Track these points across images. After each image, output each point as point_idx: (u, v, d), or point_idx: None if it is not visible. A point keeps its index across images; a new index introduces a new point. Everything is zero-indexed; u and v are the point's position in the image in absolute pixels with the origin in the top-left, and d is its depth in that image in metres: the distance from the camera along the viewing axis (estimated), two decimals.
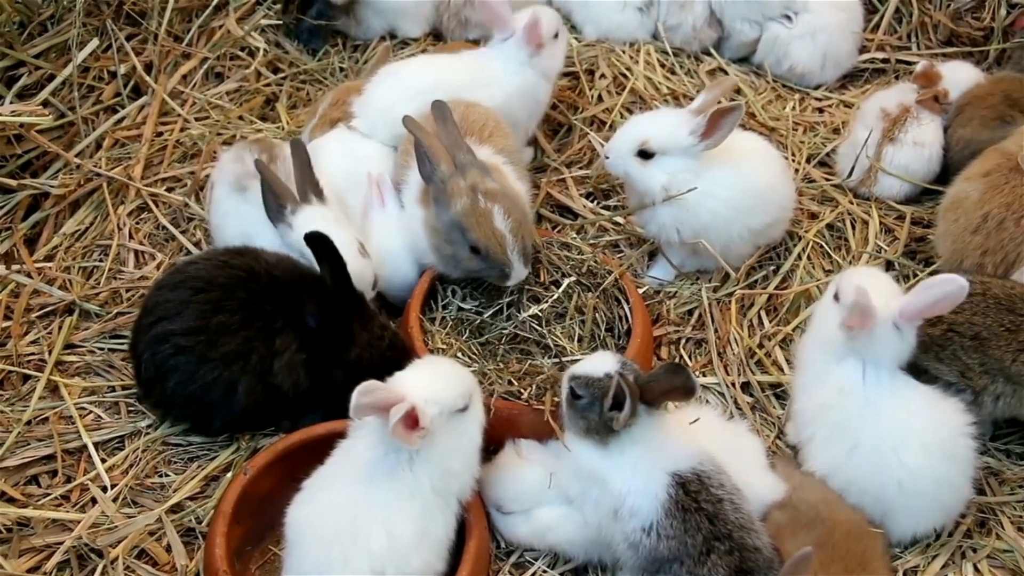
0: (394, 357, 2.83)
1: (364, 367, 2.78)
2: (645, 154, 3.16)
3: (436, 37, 4.41)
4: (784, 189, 3.40)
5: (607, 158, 3.24)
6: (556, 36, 3.61)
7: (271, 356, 2.84)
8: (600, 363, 2.48)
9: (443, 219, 2.99)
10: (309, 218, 3.02)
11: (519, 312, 3.06)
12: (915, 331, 2.66)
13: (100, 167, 3.68)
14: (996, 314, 2.78)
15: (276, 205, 3.05)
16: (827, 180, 3.73)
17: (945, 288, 2.56)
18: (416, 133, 2.99)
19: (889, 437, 2.63)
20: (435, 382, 2.43)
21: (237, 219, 3.20)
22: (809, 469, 2.75)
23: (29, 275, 3.38)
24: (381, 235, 3.25)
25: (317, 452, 2.53)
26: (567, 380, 2.51)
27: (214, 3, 4.28)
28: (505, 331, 3.03)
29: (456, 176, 2.96)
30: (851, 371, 2.69)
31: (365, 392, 2.26)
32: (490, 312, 3.10)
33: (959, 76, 3.81)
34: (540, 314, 3.04)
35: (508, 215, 2.93)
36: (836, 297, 2.76)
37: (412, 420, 2.32)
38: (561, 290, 3.08)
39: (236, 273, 2.87)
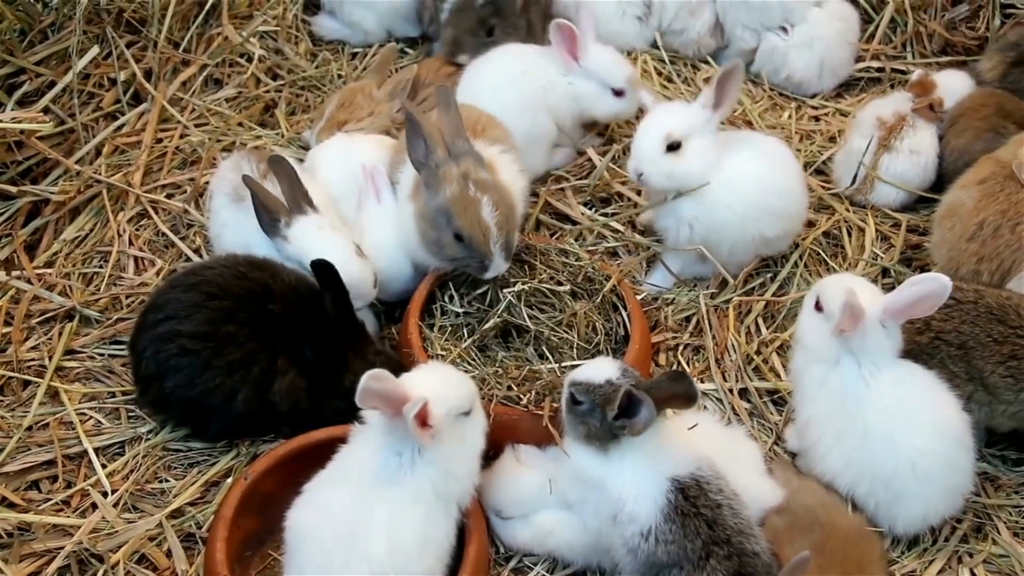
0: None
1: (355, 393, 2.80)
2: (673, 147, 3.14)
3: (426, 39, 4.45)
4: (800, 196, 3.40)
5: (640, 175, 3.19)
6: None
7: (272, 375, 2.86)
8: (600, 369, 2.49)
9: (431, 204, 3.01)
10: (304, 228, 3.04)
11: (513, 299, 3.05)
12: (899, 327, 2.70)
13: (100, 174, 3.69)
14: (986, 324, 2.79)
15: (270, 219, 3.05)
16: (824, 188, 3.75)
17: (928, 287, 2.58)
18: (415, 117, 3.00)
19: (898, 422, 2.65)
20: (440, 384, 2.45)
21: (236, 229, 3.20)
22: (817, 471, 2.76)
23: (29, 281, 3.38)
24: (375, 228, 3.25)
25: (318, 457, 2.53)
26: (567, 386, 2.52)
27: (209, 2, 4.28)
28: (498, 317, 3.02)
29: (449, 163, 2.99)
30: (849, 370, 2.70)
31: (376, 378, 2.27)
32: (479, 296, 3.10)
33: (953, 85, 3.84)
34: (523, 291, 3.03)
35: (496, 207, 2.95)
36: (818, 307, 2.77)
37: (421, 419, 2.34)
38: (563, 290, 3.09)
39: (252, 287, 2.88)
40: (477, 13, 4.00)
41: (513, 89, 3.61)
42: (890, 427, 2.65)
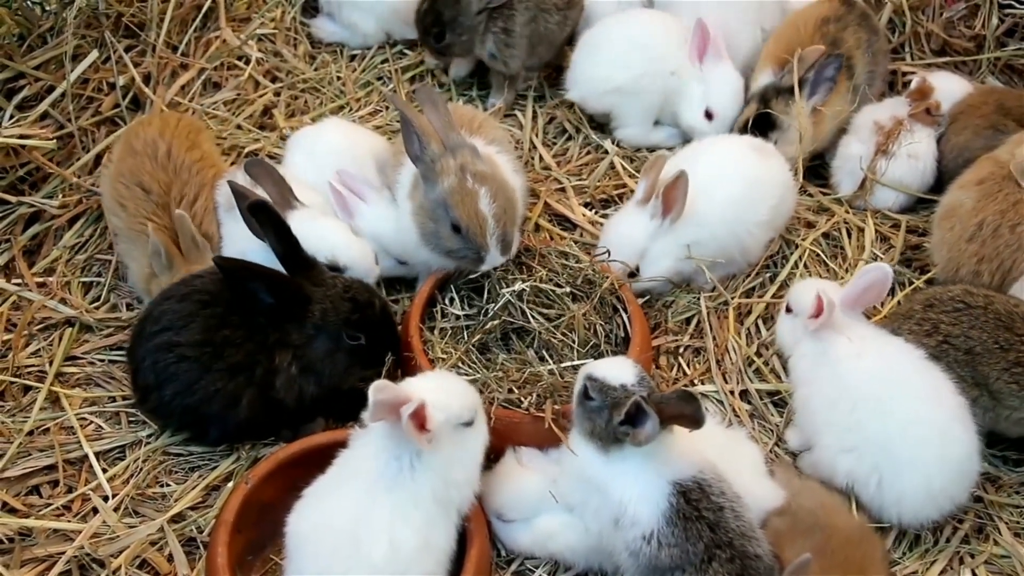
0: (355, 297, 2.88)
1: (331, 321, 2.84)
2: (633, 274, 3.26)
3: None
4: (765, 169, 3.42)
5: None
6: None
7: (273, 372, 2.87)
8: (619, 372, 2.48)
9: (430, 196, 3.01)
10: (298, 221, 3.04)
11: (513, 298, 3.05)
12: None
13: (99, 182, 3.66)
14: (993, 330, 2.81)
15: None
16: (823, 192, 3.75)
17: (873, 276, 2.82)
18: (405, 112, 3.00)
19: (883, 390, 2.72)
20: (442, 392, 2.45)
21: (230, 239, 3.20)
22: (817, 457, 2.81)
23: (29, 288, 3.38)
24: (367, 225, 3.29)
25: (318, 461, 2.54)
26: (583, 377, 2.51)
27: (206, 5, 4.27)
28: (497, 319, 3.02)
29: (446, 155, 2.99)
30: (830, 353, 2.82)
31: (379, 389, 2.28)
32: (480, 299, 3.11)
33: (950, 87, 3.83)
34: (523, 291, 3.03)
35: (493, 199, 2.95)
36: (788, 309, 3.02)
37: (420, 422, 2.34)
38: (563, 292, 3.08)
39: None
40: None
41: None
42: (878, 395, 2.72)
